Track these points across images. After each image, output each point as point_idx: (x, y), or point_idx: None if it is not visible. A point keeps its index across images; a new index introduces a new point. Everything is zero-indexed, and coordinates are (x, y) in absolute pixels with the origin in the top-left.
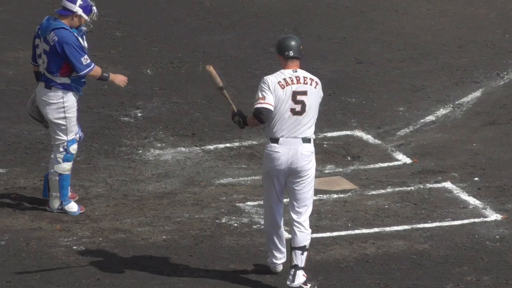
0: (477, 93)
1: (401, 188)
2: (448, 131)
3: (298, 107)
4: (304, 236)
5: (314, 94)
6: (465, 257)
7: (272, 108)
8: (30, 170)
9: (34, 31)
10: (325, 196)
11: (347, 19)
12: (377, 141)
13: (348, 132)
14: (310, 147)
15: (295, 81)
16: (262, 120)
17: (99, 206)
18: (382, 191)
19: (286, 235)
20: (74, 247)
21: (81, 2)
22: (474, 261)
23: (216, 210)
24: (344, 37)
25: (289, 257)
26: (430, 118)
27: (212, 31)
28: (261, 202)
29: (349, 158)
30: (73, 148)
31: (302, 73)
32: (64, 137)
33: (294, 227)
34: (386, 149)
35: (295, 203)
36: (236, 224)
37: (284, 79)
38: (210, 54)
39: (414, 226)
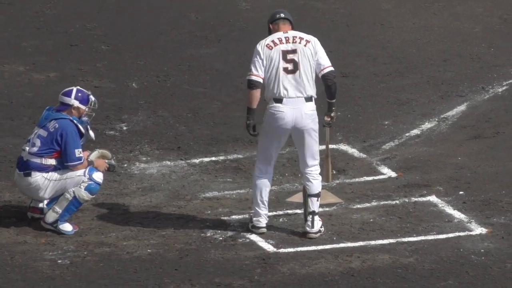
0: (462, 107)
1: (386, 202)
2: (433, 144)
3: (290, 66)
4: (318, 183)
5: (304, 52)
6: (450, 271)
7: (260, 79)
8: (15, 184)
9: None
10: None
11: (332, 33)
12: (362, 155)
13: (333, 146)
14: (312, 106)
15: (284, 41)
16: (254, 89)
17: (84, 220)
18: (367, 204)
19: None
20: (59, 261)
21: (77, 94)
22: (459, 275)
23: (201, 224)
24: (330, 51)
25: (305, 206)
26: (415, 131)
27: (197, 45)
28: (246, 216)
29: (334, 172)
30: (98, 176)
31: (293, 33)
32: (75, 174)
33: (308, 176)
34: (371, 162)
35: (306, 155)
36: (221, 238)
37: (273, 41)
38: (196, 68)
39: (399, 239)
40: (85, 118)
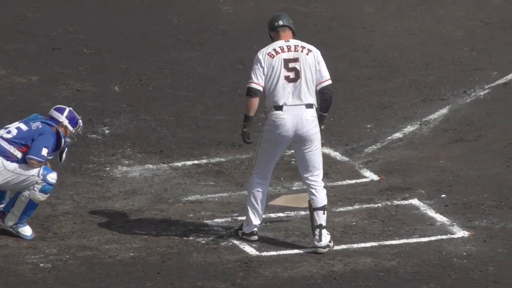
0: (444, 110)
1: (368, 205)
2: (415, 148)
3: (291, 74)
4: (323, 196)
5: (306, 61)
6: (432, 274)
7: (260, 87)
8: None
9: None
10: (292, 213)
11: (315, 36)
12: (345, 158)
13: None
14: (313, 112)
15: (285, 49)
16: (253, 97)
17: (66, 224)
18: (350, 208)
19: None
20: (41, 265)
21: (69, 114)
22: (441, 278)
23: (184, 227)
24: None
25: (312, 220)
26: (398, 135)
27: (180, 48)
28: (229, 219)
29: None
30: (51, 177)
31: (294, 42)
32: (29, 173)
33: (312, 189)
34: (354, 166)
35: (309, 167)
36: (203, 241)
37: (274, 49)
38: (178, 71)
39: (382, 243)
40: (68, 139)
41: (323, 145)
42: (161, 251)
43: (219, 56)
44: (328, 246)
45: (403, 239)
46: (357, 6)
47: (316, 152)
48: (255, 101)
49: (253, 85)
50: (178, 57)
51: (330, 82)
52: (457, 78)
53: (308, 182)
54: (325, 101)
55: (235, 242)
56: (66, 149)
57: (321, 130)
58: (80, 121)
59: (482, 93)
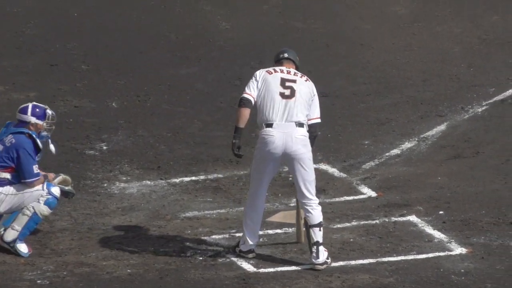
0: (442, 127)
1: (366, 222)
2: (413, 164)
3: (287, 92)
4: (318, 213)
5: (304, 84)
6: None
7: (251, 98)
8: None
9: None
10: (290, 229)
11: (312, 53)
12: (343, 175)
13: (314, 166)
14: (303, 131)
15: (285, 72)
16: (242, 107)
17: (64, 240)
18: (347, 224)
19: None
20: (38, 281)
21: (33, 110)
22: None
23: (181, 244)
24: (309, 71)
25: (308, 237)
26: (395, 151)
27: (178, 65)
28: (227, 236)
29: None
30: (56, 191)
31: (294, 71)
32: (31, 189)
33: (307, 207)
34: (351, 182)
35: (302, 186)
36: (201, 258)
37: (274, 69)
38: (176, 87)
39: (379, 259)
40: (44, 133)
41: (320, 161)
42: (159, 267)
43: (217, 72)
44: (325, 262)
45: (401, 255)
46: (355, 23)
47: (307, 171)
48: (246, 112)
49: (245, 95)
50: (175, 73)
51: (319, 120)
52: (455, 94)
53: (302, 200)
54: (311, 138)
55: (233, 258)
56: (49, 140)
57: None
58: (48, 110)
59: (479, 110)
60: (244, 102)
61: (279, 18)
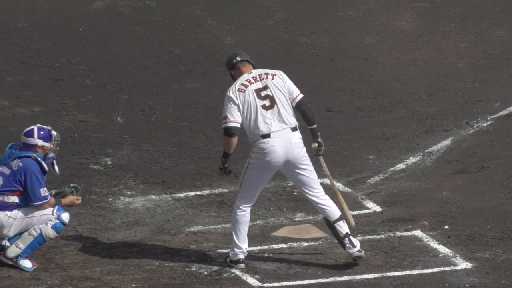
0: (447, 142)
1: (371, 236)
2: (418, 179)
3: (267, 102)
4: (335, 206)
5: (274, 84)
6: None
7: (238, 125)
8: None
9: None
10: (295, 244)
11: (317, 68)
12: (347, 189)
13: (319, 180)
14: (299, 135)
15: (252, 81)
16: (233, 137)
17: (69, 255)
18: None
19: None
20: None
21: (39, 133)
22: None
23: (186, 258)
24: (314, 86)
25: (336, 233)
26: (400, 166)
27: (182, 79)
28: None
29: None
30: (65, 217)
31: (257, 71)
32: (39, 213)
33: (321, 206)
34: (356, 197)
35: (310, 187)
36: (206, 272)
37: (242, 84)
38: (180, 102)
39: (384, 274)
40: (51, 154)
41: (325, 176)
42: (163, 282)
43: (221, 87)
44: (360, 250)
45: (406, 270)
46: (359, 38)
47: (310, 171)
48: (235, 140)
49: (231, 124)
50: (180, 88)
51: (302, 95)
52: (460, 109)
53: (314, 199)
54: (305, 113)
55: (238, 273)
56: (54, 161)
57: (322, 147)
58: (53, 131)
59: (484, 125)
60: (233, 132)
61: (284, 33)
